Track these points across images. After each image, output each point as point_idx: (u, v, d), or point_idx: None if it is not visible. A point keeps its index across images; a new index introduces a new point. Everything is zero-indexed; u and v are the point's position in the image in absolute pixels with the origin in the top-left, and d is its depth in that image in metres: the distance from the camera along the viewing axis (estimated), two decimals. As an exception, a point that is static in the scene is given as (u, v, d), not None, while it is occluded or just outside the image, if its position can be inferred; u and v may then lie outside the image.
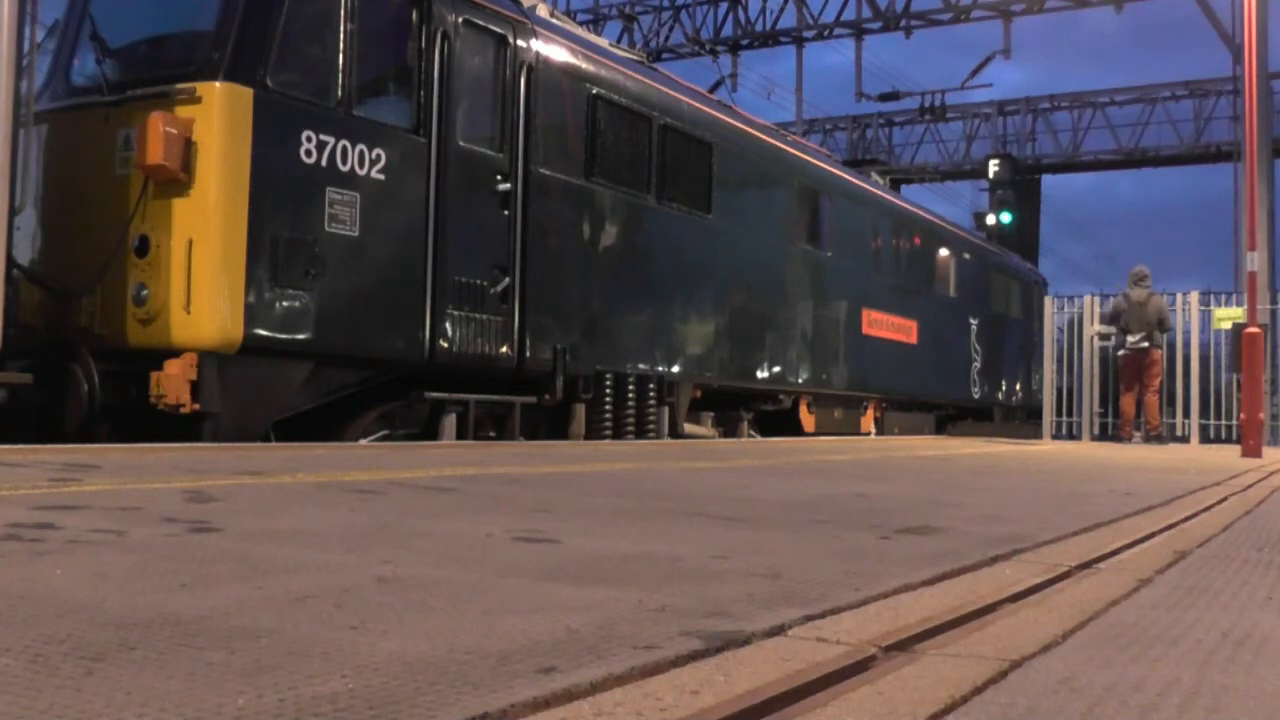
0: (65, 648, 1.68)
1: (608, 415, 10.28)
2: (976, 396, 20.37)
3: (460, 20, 8.77)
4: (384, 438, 8.54)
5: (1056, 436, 18.44)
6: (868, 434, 16.11)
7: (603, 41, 12.66)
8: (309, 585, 2.26)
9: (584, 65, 10.21)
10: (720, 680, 1.69)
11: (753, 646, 1.91)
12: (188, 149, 7.02)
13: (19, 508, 3.21)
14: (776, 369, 13.37)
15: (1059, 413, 18.81)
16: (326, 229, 7.60)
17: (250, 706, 1.41)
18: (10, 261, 6.81)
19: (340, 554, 2.70)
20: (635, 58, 12.39)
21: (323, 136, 7.59)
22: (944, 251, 19.05)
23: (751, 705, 1.58)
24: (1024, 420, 22.26)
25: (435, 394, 8.55)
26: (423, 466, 5.56)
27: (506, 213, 9.10)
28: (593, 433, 10.15)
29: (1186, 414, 17.33)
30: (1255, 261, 13.35)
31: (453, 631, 1.90)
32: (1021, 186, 31.45)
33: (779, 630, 2.04)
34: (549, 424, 9.96)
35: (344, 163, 7.73)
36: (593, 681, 1.61)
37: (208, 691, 1.47)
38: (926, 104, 32.34)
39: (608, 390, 10.28)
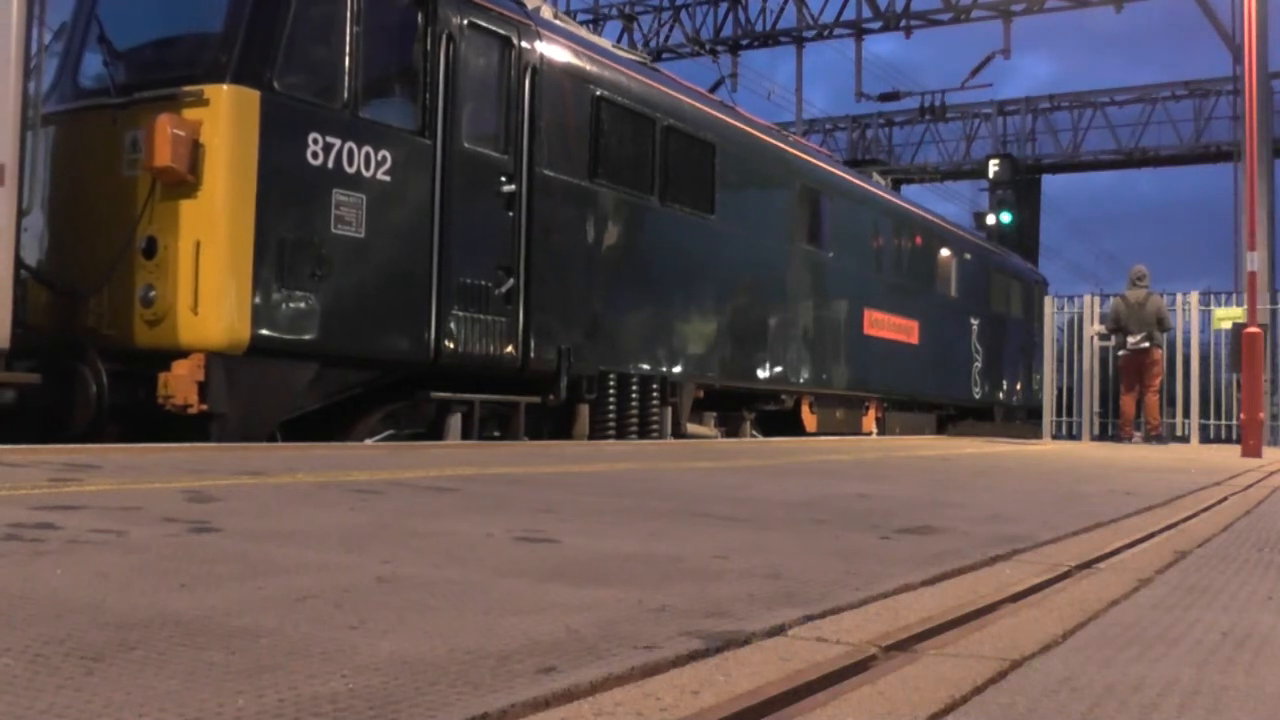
0: (65, 648, 1.68)
1: (611, 415, 10.29)
2: (977, 396, 20.36)
3: (465, 22, 8.78)
4: (390, 437, 8.56)
5: (1056, 436, 18.44)
6: (869, 434, 16.10)
7: (605, 43, 12.66)
8: (309, 585, 2.26)
9: (587, 67, 10.21)
10: (720, 680, 1.69)
11: (753, 646, 1.91)
12: (195, 151, 7.04)
13: (19, 508, 3.21)
14: (778, 369, 13.36)
15: (1059, 413, 18.81)
16: (332, 230, 7.62)
17: (250, 706, 1.42)
18: (18, 262, 6.82)
19: (340, 554, 2.70)
20: (638, 59, 12.40)
21: (329, 138, 7.60)
22: (945, 251, 19.05)
23: (751, 705, 1.58)
24: (1024, 420, 22.25)
25: (440, 394, 8.57)
26: (423, 466, 5.56)
27: (511, 214, 9.10)
28: (596, 433, 10.15)
29: (1186, 414, 17.32)
30: (1255, 261, 13.34)
31: (453, 631, 1.90)
32: (1021, 186, 31.43)
33: (779, 630, 2.04)
34: (553, 424, 9.97)
35: (350, 164, 7.75)
36: (593, 681, 1.61)
37: (208, 691, 1.47)
38: (926, 104, 32.32)
39: (611, 390, 10.28)
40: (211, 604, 2.04)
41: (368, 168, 7.88)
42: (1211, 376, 17.68)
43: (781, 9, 28.63)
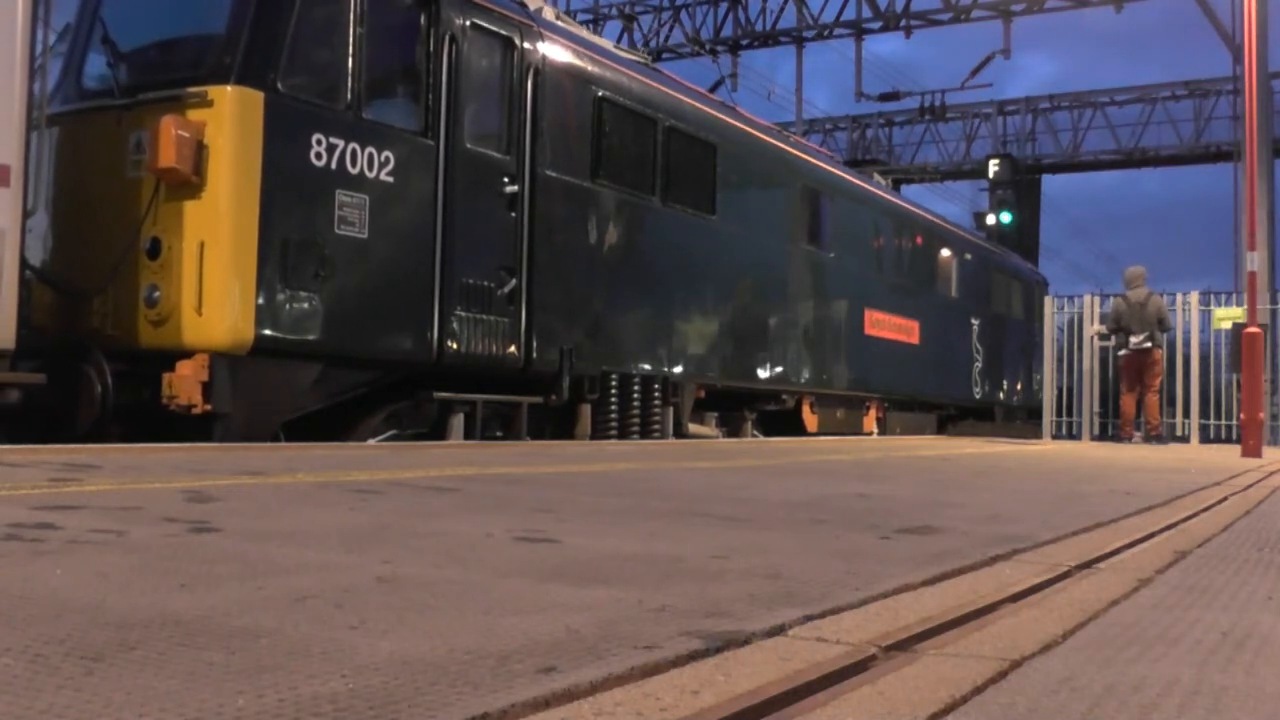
0: (65, 648, 1.68)
1: (613, 415, 10.30)
2: (978, 396, 20.36)
3: (468, 23, 8.79)
4: (392, 437, 8.57)
5: (1056, 436, 18.44)
6: (870, 434, 16.10)
7: (607, 43, 12.67)
8: (309, 585, 2.26)
9: (589, 67, 10.22)
10: (720, 680, 1.69)
11: (753, 646, 1.92)
12: (199, 152, 7.06)
13: (19, 508, 3.21)
14: (779, 369, 13.37)
15: (1059, 413, 18.81)
16: (336, 231, 7.63)
17: (250, 706, 1.42)
18: (23, 263, 6.83)
19: (340, 554, 2.71)
20: (639, 59, 12.40)
21: (332, 139, 7.61)
22: (945, 252, 19.05)
23: (751, 705, 1.58)
24: (1024, 420, 22.24)
25: (443, 394, 8.58)
26: (423, 466, 5.57)
27: (513, 214, 9.11)
28: (598, 433, 10.16)
29: (1186, 414, 17.32)
30: (1255, 261, 13.34)
31: (453, 631, 1.90)
32: (1021, 186, 31.43)
33: (779, 630, 2.04)
34: (555, 424, 9.97)
35: (353, 165, 7.76)
36: (593, 681, 1.61)
37: (208, 691, 1.48)
38: (926, 104, 32.32)
39: (613, 391, 10.29)
40: (211, 604, 2.04)
41: (371, 168, 7.89)
42: (1211, 376, 17.68)
43: (781, 9, 28.64)
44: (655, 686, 1.63)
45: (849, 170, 17.02)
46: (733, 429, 13.30)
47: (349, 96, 7.83)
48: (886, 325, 16.31)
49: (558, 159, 9.63)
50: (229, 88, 7.14)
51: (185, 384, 6.93)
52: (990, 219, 29.64)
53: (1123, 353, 15.91)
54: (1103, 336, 17.06)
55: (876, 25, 27.62)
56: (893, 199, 17.81)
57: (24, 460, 4.82)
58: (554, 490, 4.74)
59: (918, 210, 18.63)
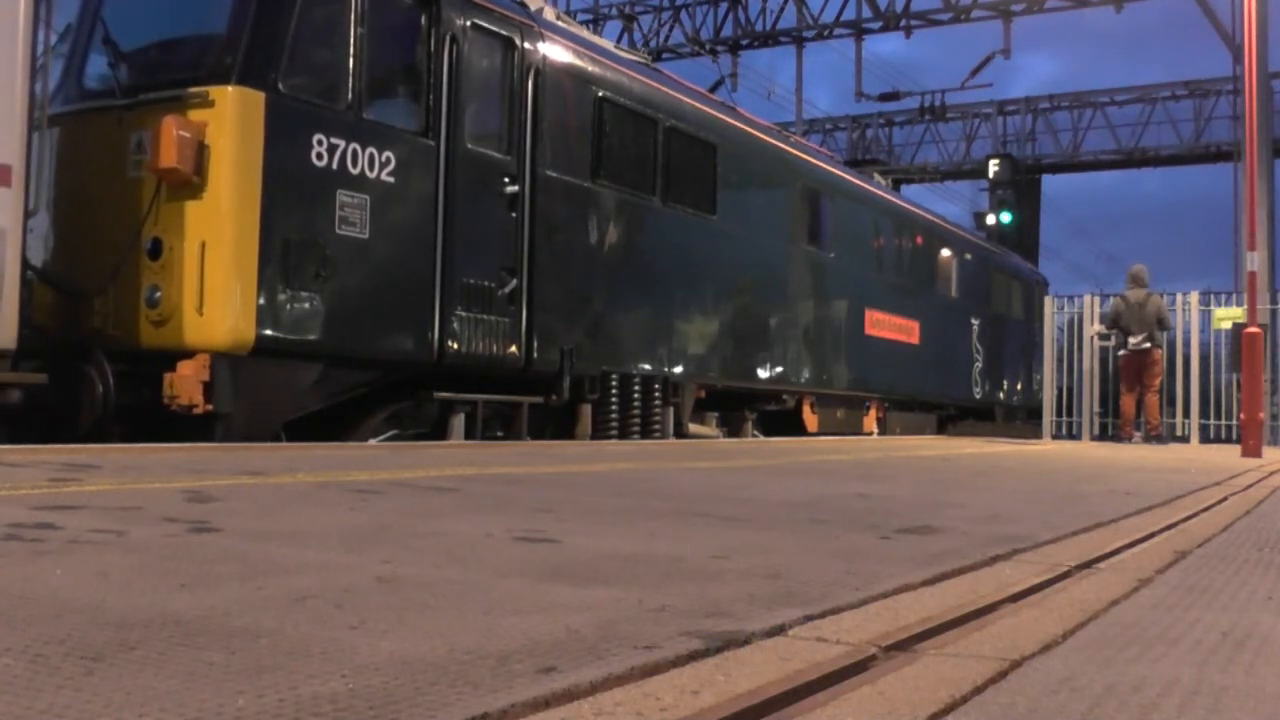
0: (65, 648, 1.68)
1: (613, 415, 10.30)
2: (978, 396, 20.36)
3: (469, 24, 8.79)
4: (393, 437, 8.57)
5: (1056, 436, 18.44)
6: (870, 434, 16.10)
7: (607, 43, 12.67)
8: (309, 585, 2.26)
9: (590, 68, 10.22)
10: (720, 680, 1.69)
11: (753, 646, 1.92)
12: (200, 152, 7.06)
13: (19, 508, 3.21)
14: (779, 369, 13.37)
15: (1059, 413, 18.81)
16: (337, 231, 7.63)
17: (250, 706, 1.42)
18: (25, 263, 6.83)
19: (340, 554, 2.71)
20: (640, 60, 12.40)
21: (333, 139, 7.62)
22: (945, 252, 19.05)
23: (751, 705, 1.58)
24: (1024, 420, 22.25)
25: (444, 394, 8.58)
26: (423, 466, 5.57)
27: (514, 215, 9.11)
28: (599, 433, 10.17)
29: (1186, 414, 17.32)
30: (1255, 261, 13.34)
31: (453, 631, 1.90)
32: (1021, 186, 31.42)
33: (779, 630, 2.04)
34: (555, 424, 9.98)
35: (354, 165, 7.76)
36: (593, 681, 1.61)
37: (208, 691, 1.48)
38: (926, 104, 32.30)
39: (613, 391, 10.30)
40: (211, 604, 2.04)
41: (372, 169, 7.90)
42: (1211, 376, 17.68)
43: (781, 9, 28.63)
44: (655, 686, 1.63)
45: (849, 170, 17.03)
46: (733, 429, 13.30)
47: (350, 97, 7.84)
48: (887, 325, 16.32)
49: (558, 159, 9.63)
50: (230, 88, 7.15)
51: (186, 384, 6.93)
52: (990, 219, 29.63)
53: (1122, 353, 15.91)
54: (1102, 336, 17.06)
55: (876, 25, 27.62)
56: (893, 199, 17.81)
57: (24, 460, 4.83)
58: (554, 490, 4.74)
59: (918, 210, 18.63)
